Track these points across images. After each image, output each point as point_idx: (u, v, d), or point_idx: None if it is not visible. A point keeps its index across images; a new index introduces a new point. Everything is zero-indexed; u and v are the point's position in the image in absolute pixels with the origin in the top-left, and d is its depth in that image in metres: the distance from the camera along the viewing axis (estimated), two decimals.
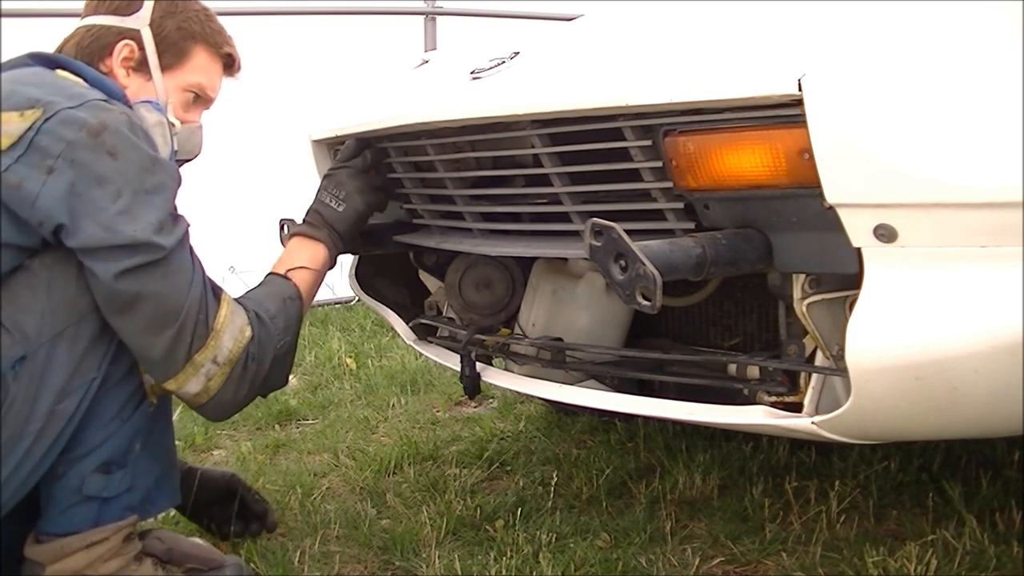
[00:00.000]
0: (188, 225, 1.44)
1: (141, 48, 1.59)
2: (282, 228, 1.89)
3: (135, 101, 1.55)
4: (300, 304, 1.63)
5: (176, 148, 1.58)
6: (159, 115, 1.55)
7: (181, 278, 1.41)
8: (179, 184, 1.45)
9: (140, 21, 1.59)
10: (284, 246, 1.86)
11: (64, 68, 1.51)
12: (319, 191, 1.79)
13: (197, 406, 1.50)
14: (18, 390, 1.34)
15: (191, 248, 1.45)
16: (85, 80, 1.49)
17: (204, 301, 1.44)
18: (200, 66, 1.65)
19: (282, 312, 1.58)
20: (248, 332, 1.49)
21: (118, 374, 1.44)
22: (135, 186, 1.36)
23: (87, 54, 1.57)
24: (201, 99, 1.68)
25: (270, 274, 1.68)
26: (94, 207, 1.33)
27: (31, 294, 1.36)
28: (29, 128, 1.33)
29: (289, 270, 1.67)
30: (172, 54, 1.62)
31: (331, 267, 1.76)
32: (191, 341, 1.42)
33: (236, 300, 1.53)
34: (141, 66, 1.59)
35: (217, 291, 1.49)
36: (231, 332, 1.46)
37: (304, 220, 1.76)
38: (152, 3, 1.60)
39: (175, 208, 1.43)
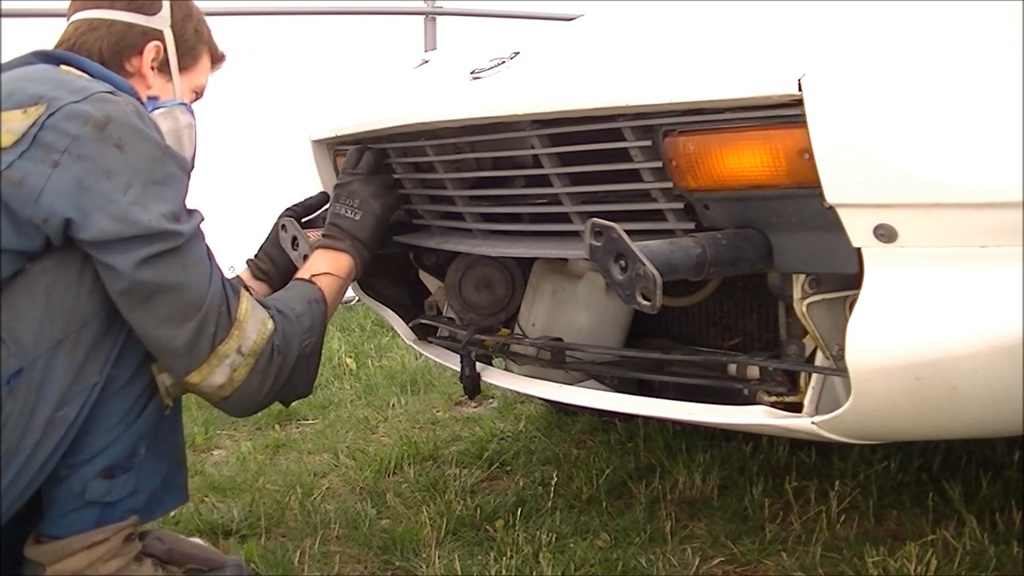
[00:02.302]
0: (202, 218, 1.44)
1: (165, 49, 1.60)
2: (282, 228, 1.88)
3: (165, 102, 1.57)
4: (325, 307, 1.62)
5: None
6: (190, 117, 1.57)
7: (200, 269, 1.40)
8: (189, 174, 1.45)
9: (163, 22, 1.60)
10: (285, 247, 1.86)
11: (68, 64, 1.50)
12: (332, 203, 1.79)
13: (221, 399, 1.47)
14: (14, 405, 1.32)
15: (205, 242, 1.45)
16: (90, 75, 1.48)
17: (225, 293, 1.43)
18: (204, 68, 1.69)
19: (307, 312, 1.57)
20: (270, 324, 1.48)
21: (122, 378, 1.42)
22: (144, 177, 1.35)
23: (114, 52, 1.56)
24: (197, 98, 1.70)
25: (295, 279, 1.68)
26: (104, 200, 1.32)
27: (30, 301, 1.34)
28: (32, 124, 1.32)
29: (313, 275, 1.67)
30: (189, 56, 1.65)
31: (357, 276, 1.76)
32: (214, 332, 1.41)
33: (256, 300, 1.52)
34: (163, 67, 1.61)
35: (235, 285, 1.49)
36: (254, 323, 1.46)
37: (323, 234, 1.76)
38: (169, 4, 1.61)
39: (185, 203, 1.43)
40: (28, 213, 1.32)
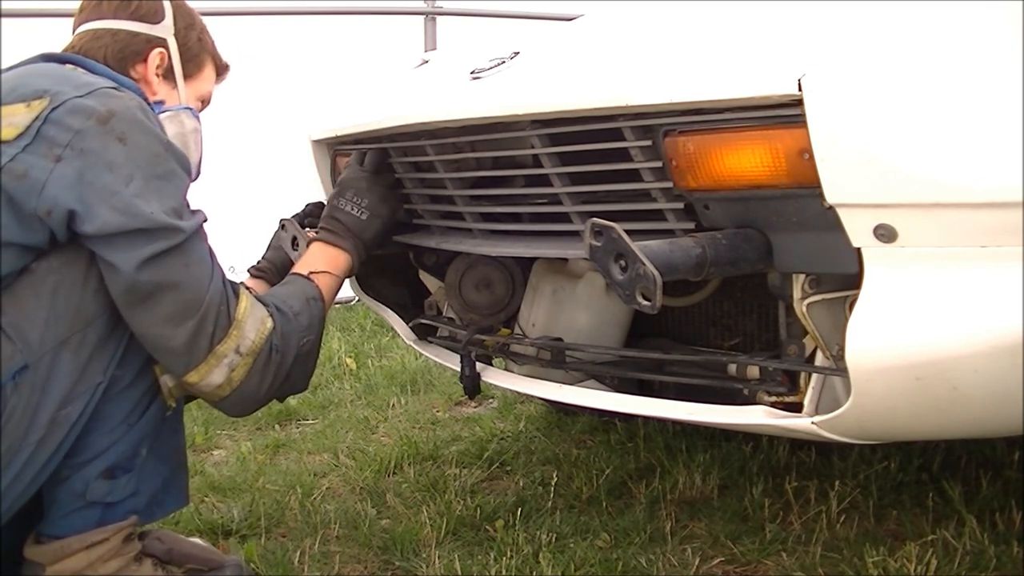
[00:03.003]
0: (205, 218, 1.44)
1: (169, 57, 1.62)
2: (282, 228, 1.89)
3: (171, 107, 1.59)
4: (322, 305, 1.63)
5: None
6: (196, 122, 1.59)
7: (202, 268, 1.41)
8: (190, 174, 1.46)
9: (166, 30, 1.62)
10: (284, 247, 1.86)
11: (75, 65, 1.50)
12: (336, 198, 1.78)
13: (219, 399, 1.47)
14: (18, 401, 1.32)
15: (207, 242, 1.45)
16: (94, 75, 1.49)
17: (225, 292, 1.44)
18: (208, 77, 1.71)
19: (306, 310, 1.58)
20: (269, 323, 1.49)
21: (126, 378, 1.42)
22: (146, 172, 1.35)
23: (119, 59, 1.58)
24: (204, 107, 1.72)
25: (292, 274, 1.68)
26: (107, 192, 1.32)
27: (36, 299, 1.34)
28: (36, 118, 1.32)
29: (312, 273, 1.67)
30: (193, 64, 1.66)
31: (352, 274, 1.77)
32: (213, 331, 1.41)
33: (256, 296, 1.53)
34: (168, 74, 1.63)
35: (235, 285, 1.49)
36: (252, 323, 1.46)
37: (322, 227, 1.76)
38: (172, 13, 1.63)
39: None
40: (32, 206, 1.32)
